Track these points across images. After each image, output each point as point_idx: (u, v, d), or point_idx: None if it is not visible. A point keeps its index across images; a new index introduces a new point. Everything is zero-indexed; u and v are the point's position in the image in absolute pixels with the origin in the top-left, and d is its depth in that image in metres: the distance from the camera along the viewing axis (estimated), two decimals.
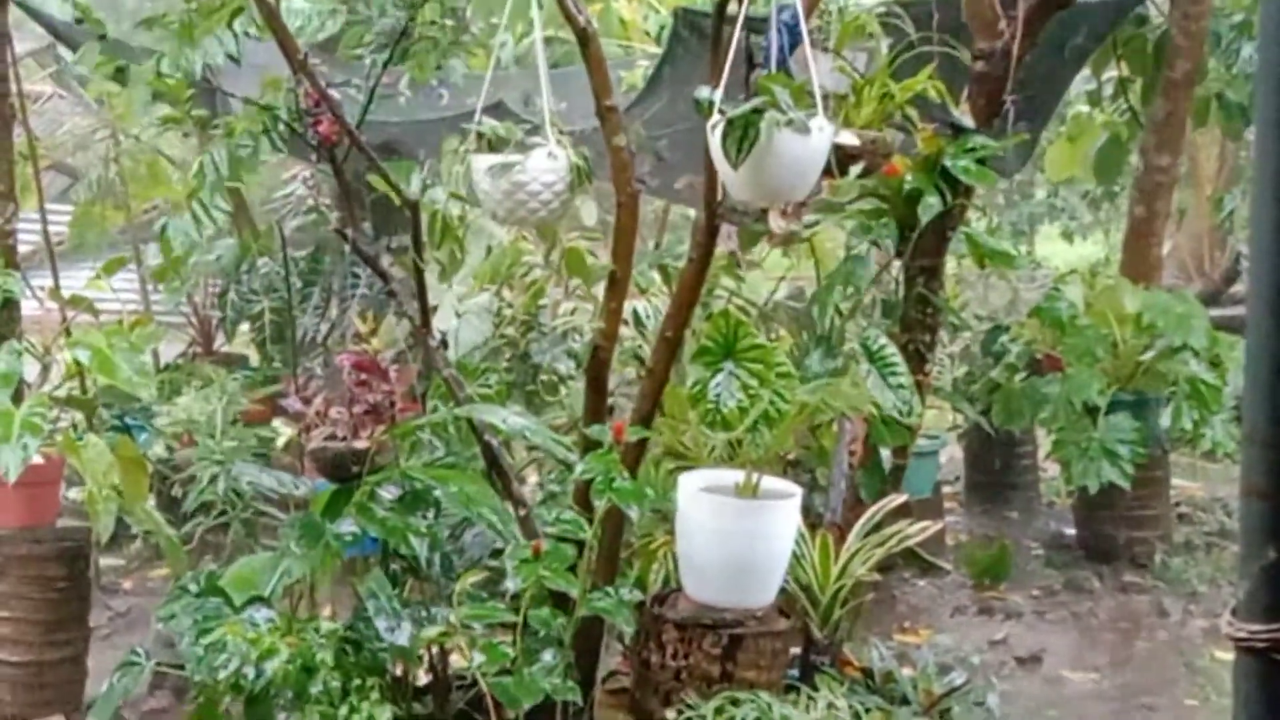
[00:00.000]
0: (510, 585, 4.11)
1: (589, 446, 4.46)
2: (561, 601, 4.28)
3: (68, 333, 5.83)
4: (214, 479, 5.36)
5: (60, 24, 8.02)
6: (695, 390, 4.25)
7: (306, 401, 4.51)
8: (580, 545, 4.31)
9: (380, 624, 4.09)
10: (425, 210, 4.91)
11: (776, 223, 4.23)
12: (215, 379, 6.09)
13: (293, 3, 6.79)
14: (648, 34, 10.71)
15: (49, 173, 9.94)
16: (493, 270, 6.88)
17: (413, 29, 4.62)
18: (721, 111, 3.89)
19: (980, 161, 5.11)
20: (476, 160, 4.42)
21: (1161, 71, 8.56)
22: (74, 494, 6.89)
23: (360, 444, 4.32)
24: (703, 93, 3.99)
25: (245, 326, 8.25)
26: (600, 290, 5.30)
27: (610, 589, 4.37)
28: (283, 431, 5.61)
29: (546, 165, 4.37)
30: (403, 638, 4.10)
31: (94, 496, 5.00)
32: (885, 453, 5.32)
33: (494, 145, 4.43)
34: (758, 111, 3.78)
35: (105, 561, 7.18)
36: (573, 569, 4.20)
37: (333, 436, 4.36)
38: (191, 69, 4.69)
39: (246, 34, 4.95)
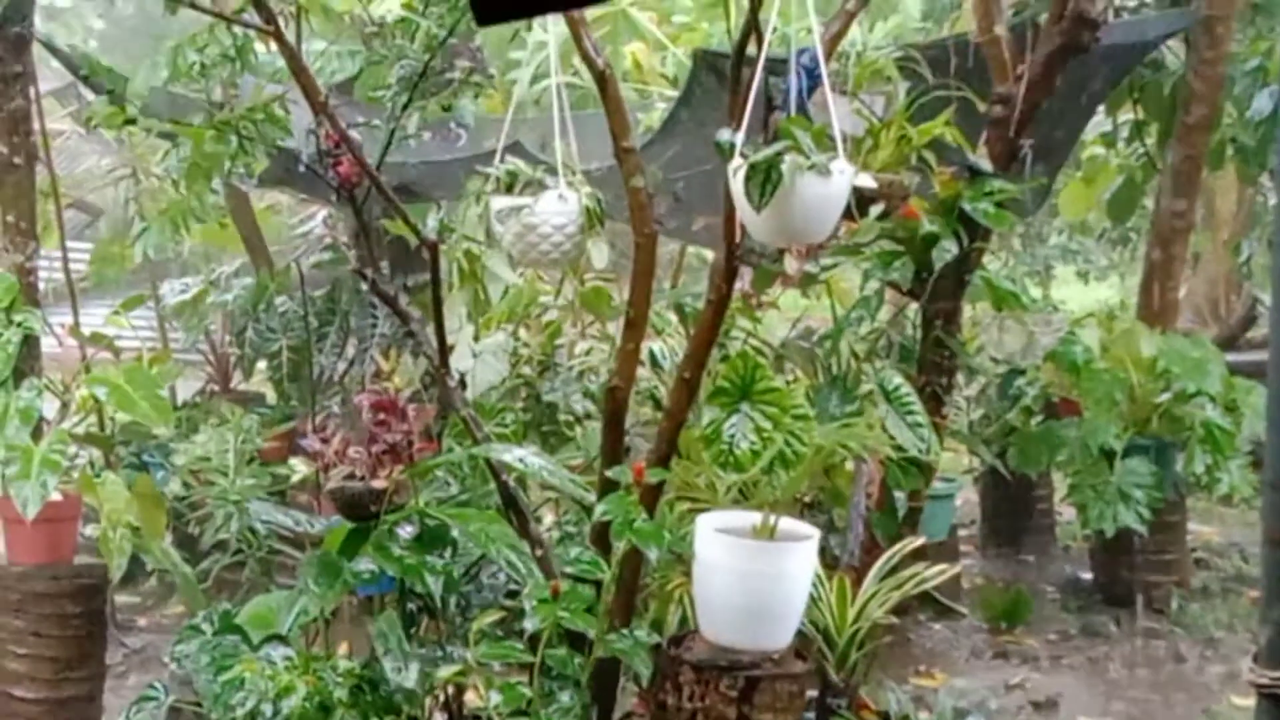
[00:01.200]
0: (528, 625, 4.10)
1: (606, 487, 4.46)
2: (578, 642, 4.27)
3: (87, 369, 5.86)
4: (229, 517, 5.37)
5: (82, 61, 8.07)
6: (710, 431, 4.25)
7: (325, 440, 4.52)
8: (598, 586, 4.30)
9: (387, 664, 4.09)
10: (445, 252, 4.93)
11: (793, 264, 4.25)
12: (232, 417, 6.10)
13: (312, 45, 6.85)
14: (664, 77, 10.76)
15: (69, 211, 10.00)
16: (509, 310, 6.90)
17: (431, 71, 4.65)
18: (743, 155, 3.92)
19: (999, 205, 5.13)
20: (494, 202, 4.45)
21: (1177, 116, 8.59)
22: (91, 531, 6.92)
23: (379, 483, 4.33)
24: (724, 135, 4.01)
25: (262, 364, 8.27)
26: (616, 329, 5.32)
27: (627, 630, 4.37)
28: (298, 470, 5.61)
29: (557, 208, 4.40)
30: (410, 680, 4.09)
31: (108, 534, 5.01)
32: (900, 495, 5.32)
33: (510, 187, 4.46)
34: (780, 155, 3.80)
35: (121, 599, 7.19)
36: (590, 609, 4.20)
37: (351, 476, 4.37)
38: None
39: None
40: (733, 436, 4.23)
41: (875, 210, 4.30)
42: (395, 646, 4.16)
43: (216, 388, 9.20)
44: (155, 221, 4.99)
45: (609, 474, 4.46)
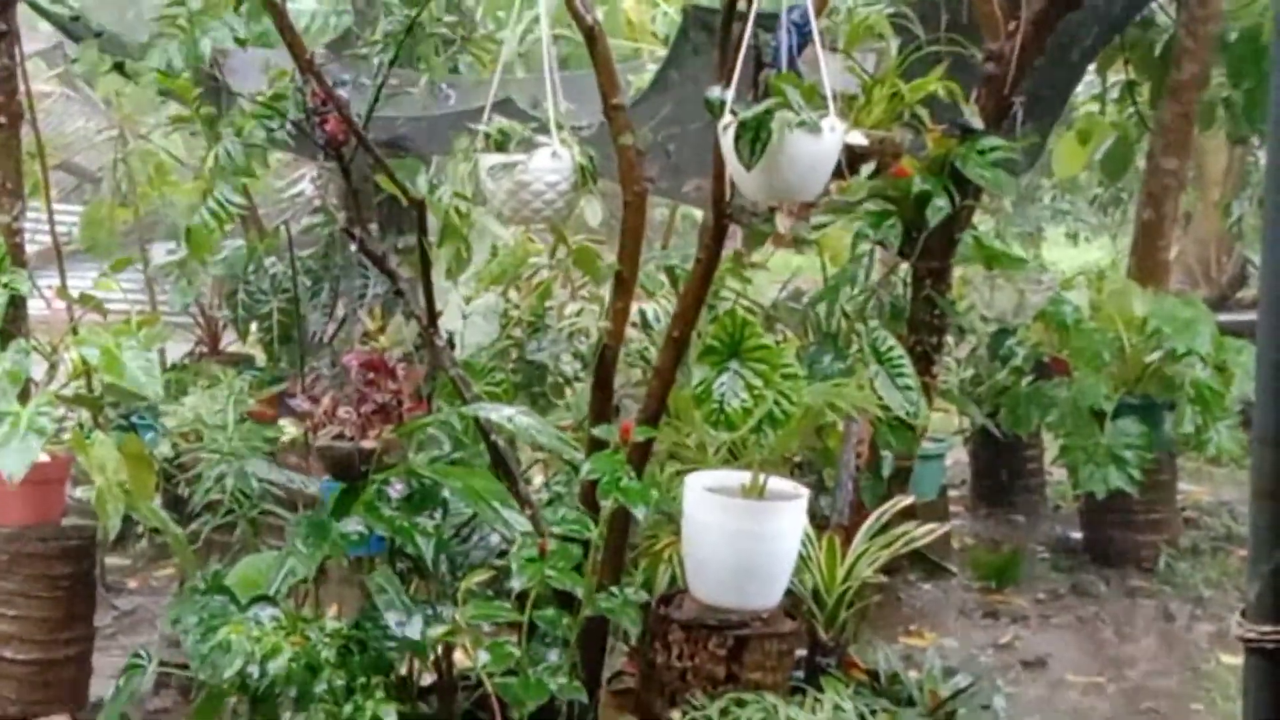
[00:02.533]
0: (515, 584, 4.10)
1: (595, 446, 4.45)
2: (567, 601, 4.27)
3: (74, 331, 5.83)
4: (221, 477, 5.36)
5: (72, 24, 8.02)
6: (700, 390, 4.24)
7: (314, 400, 4.51)
8: (586, 545, 4.30)
9: (391, 618, 4.09)
10: (433, 209, 4.91)
11: (784, 223, 4.23)
12: (223, 378, 6.09)
13: (301, 2, 6.81)
14: (655, 35, 10.71)
15: (56, 172, 9.94)
16: (500, 271, 6.87)
17: (419, 28, 4.61)
18: (733, 112, 3.89)
19: (994, 165, 5.10)
20: (483, 159, 4.42)
21: (1168, 74, 8.56)
22: (80, 493, 6.90)
23: (368, 443, 4.32)
24: (714, 93, 3.99)
25: (254, 326, 8.24)
26: (607, 290, 5.30)
27: (615, 589, 4.37)
28: (288, 431, 5.60)
29: (550, 165, 4.37)
30: (414, 631, 4.10)
31: (103, 493, 4.99)
32: (887, 456, 5.31)
33: (500, 144, 4.43)
34: (770, 112, 3.77)
35: (111, 561, 7.18)
36: (578, 569, 4.20)
37: (340, 435, 4.36)
38: (202, 58, 4.69)
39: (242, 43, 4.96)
40: (723, 395, 4.22)
41: (867, 168, 4.26)
42: (396, 599, 4.16)
43: (205, 350, 9.16)
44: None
45: (595, 432, 4.45)
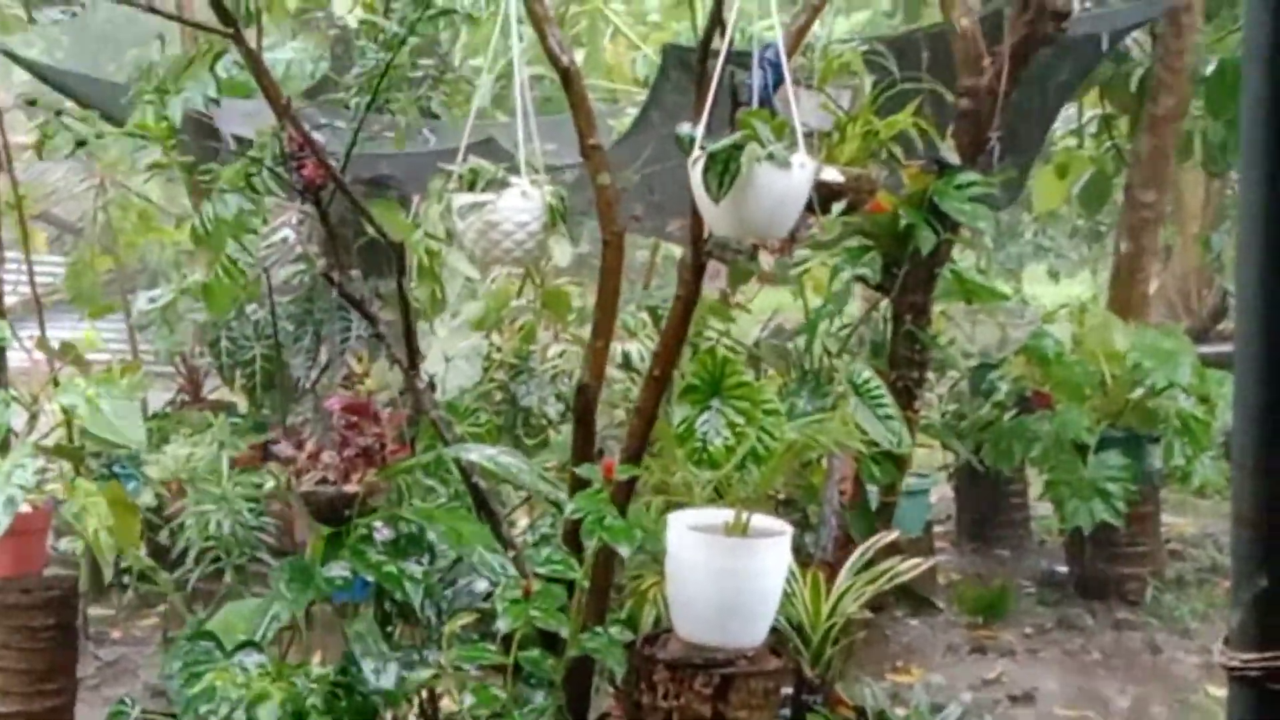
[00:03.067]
0: (501, 626, 4.08)
1: (577, 485, 4.45)
2: (552, 643, 4.25)
3: (55, 382, 5.81)
4: (207, 525, 5.35)
5: (50, 71, 8.03)
6: (682, 429, 4.23)
7: (299, 446, 4.50)
8: (570, 585, 4.28)
9: (366, 666, 4.06)
10: (412, 249, 4.91)
11: (767, 260, 4.24)
12: (213, 423, 6.10)
13: (278, 53, 6.83)
14: (636, 81, 10.74)
15: (36, 222, 9.93)
16: (484, 315, 6.88)
17: (395, 71, 4.63)
18: (702, 147, 3.90)
19: (973, 199, 5.12)
20: (455, 199, 4.43)
21: (1145, 107, 8.62)
22: (63, 544, 6.87)
23: (350, 487, 4.31)
24: (684, 128, 4.00)
25: (237, 373, 8.22)
26: (587, 330, 5.30)
27: (600, 629, 4.35)
28: (270, 478, 5.60)
29: (520, 205, 4.38)
30: (389, 680, 4.06)
31: (97, 540, 4.96)
32: (873, 490, 5.31)
33: (471, 184, 4.44)
34: (738, 146, 3.78)
35: (94, 611, 7.14)
36: (563, 609, 4.18)
37: (324, 480, 4.35)
38: (173, 121, 4.71)
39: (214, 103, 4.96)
40: (705, 433, 4.22)
41: (839, 206, 4.27)
42: (373, 648, 4.14)
43: (187, 398, 9.14)
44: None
45: (578, 471, 4.44)
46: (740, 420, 4.19)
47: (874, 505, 5.32)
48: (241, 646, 4.14)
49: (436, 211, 4.59)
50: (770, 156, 3.76)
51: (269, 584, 4.86)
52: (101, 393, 5.18)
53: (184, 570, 5.75)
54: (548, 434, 6.86)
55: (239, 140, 5.27)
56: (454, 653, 4.12)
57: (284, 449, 4.59)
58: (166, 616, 6.47)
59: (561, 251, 4.59)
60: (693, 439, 4.20)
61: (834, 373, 5.50)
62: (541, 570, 4.31)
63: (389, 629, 4.32)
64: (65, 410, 5.33)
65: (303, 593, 4.18)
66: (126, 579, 6.43)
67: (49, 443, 5.71)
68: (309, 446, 4.48)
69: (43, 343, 6.26)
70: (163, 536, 6.17)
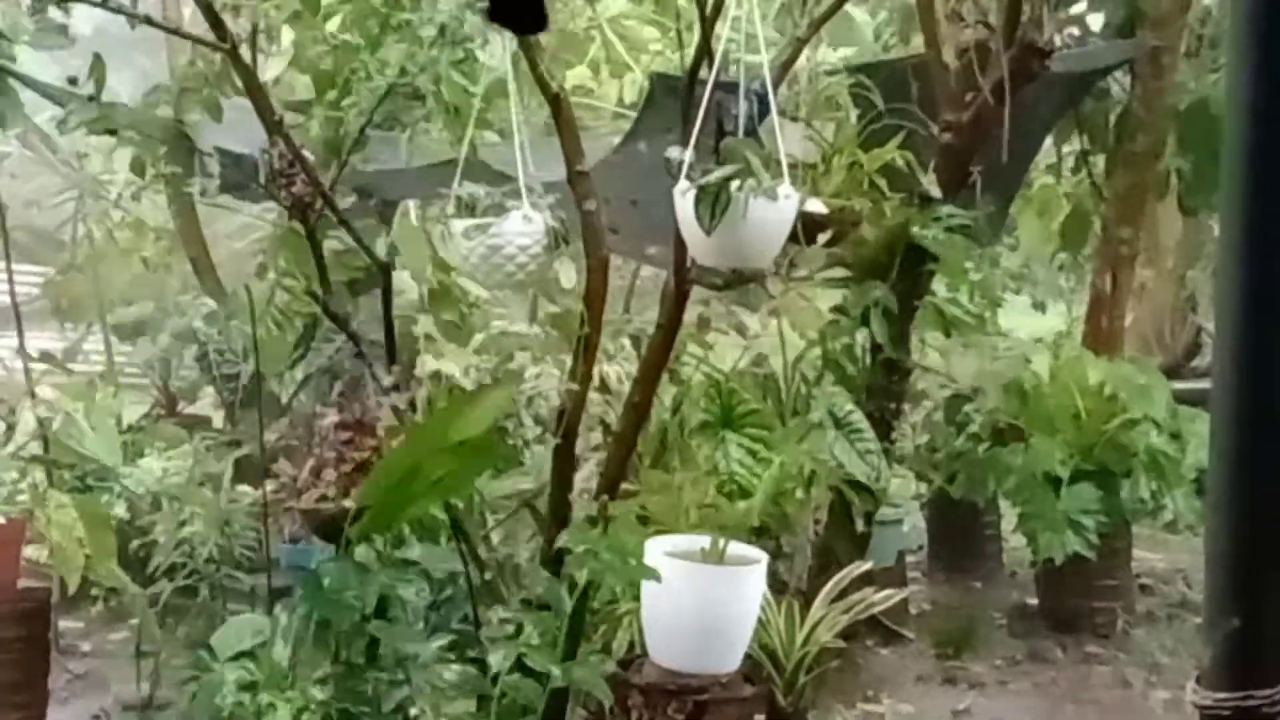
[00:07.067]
0: (492, 662, 4.07)
1: (559, 510, 4.46)
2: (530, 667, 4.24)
3: (32, 394, 5.80)
4: (183, 542, 5.35)
5: (40, 82, 8.00)
6: (706, 468, 4.26)
7: (302, 462, 4.51)
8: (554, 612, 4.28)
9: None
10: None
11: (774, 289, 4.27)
12: (185, 440, 6.10)
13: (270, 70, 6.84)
14: (620, 103, 10.73)
15: (14, 231, 9.89)
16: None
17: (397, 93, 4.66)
18: (689, 178, 3.93)
19: (950, 230, 5.16)
20: (453, 224, 4.45)
21: (1122, 145, 8.68)
22: (32, 552, 6.83)
23: (349, 503, 4.30)
24: (673, 153, 4.03)
25: (210, 389, 8.22)
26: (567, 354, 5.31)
27: (592, 657, 4.35)
28: (251, 493, 5.60)
29: (521, 228, 4.40)
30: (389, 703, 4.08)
31: (62, 550, 4.96)
32: (857, 518, 5.33)
33: (471, 209, 4.46)
34: (731, 178, 3.81)
35: (65, 624, 7.10)
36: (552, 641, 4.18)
37: (324, 498, 4.35)
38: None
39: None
40: (730, 467, 4.25)
41: (823, 237, 4.31)
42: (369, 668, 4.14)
43: (162, 412, 9.12)
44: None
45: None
46: (758, 446, 4.23)
47: (849, 535, 5.34)
48: (237, 658, 4.14)
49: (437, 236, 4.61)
50: (762, 190, 3.79)
51: (242, 600, 4.87)
52: (78, 407, 5.19)
53: (156, 587, 5.74)
54: (524, 454, 6.85)
55: (222, 151, 5.26)
56: (435, 674, 4.12)
57: (285, 467, 4.60)
58: (138, 630, 6.45)
59: (566, 274, 4.62)
60: (718, 474, 4.22)
61: (811, 401, 5.51)
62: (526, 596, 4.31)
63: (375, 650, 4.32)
64: (41, 422, 5.33)
65: (307, 610, 4.17)
66: (96, 590, 6.41)
67: (25, 454, 5.70)
68: (309, 465, 4.49)
69: (21, 353, 6.25)
70: (134, 547, 6.15)
